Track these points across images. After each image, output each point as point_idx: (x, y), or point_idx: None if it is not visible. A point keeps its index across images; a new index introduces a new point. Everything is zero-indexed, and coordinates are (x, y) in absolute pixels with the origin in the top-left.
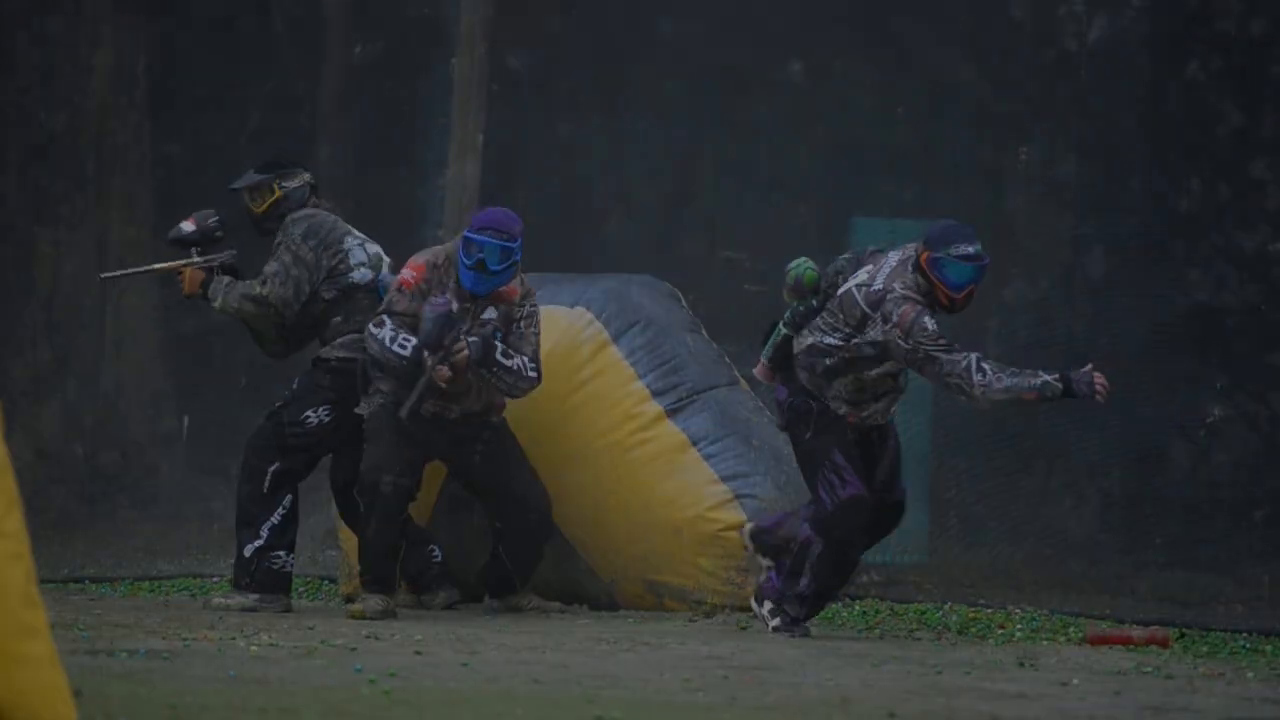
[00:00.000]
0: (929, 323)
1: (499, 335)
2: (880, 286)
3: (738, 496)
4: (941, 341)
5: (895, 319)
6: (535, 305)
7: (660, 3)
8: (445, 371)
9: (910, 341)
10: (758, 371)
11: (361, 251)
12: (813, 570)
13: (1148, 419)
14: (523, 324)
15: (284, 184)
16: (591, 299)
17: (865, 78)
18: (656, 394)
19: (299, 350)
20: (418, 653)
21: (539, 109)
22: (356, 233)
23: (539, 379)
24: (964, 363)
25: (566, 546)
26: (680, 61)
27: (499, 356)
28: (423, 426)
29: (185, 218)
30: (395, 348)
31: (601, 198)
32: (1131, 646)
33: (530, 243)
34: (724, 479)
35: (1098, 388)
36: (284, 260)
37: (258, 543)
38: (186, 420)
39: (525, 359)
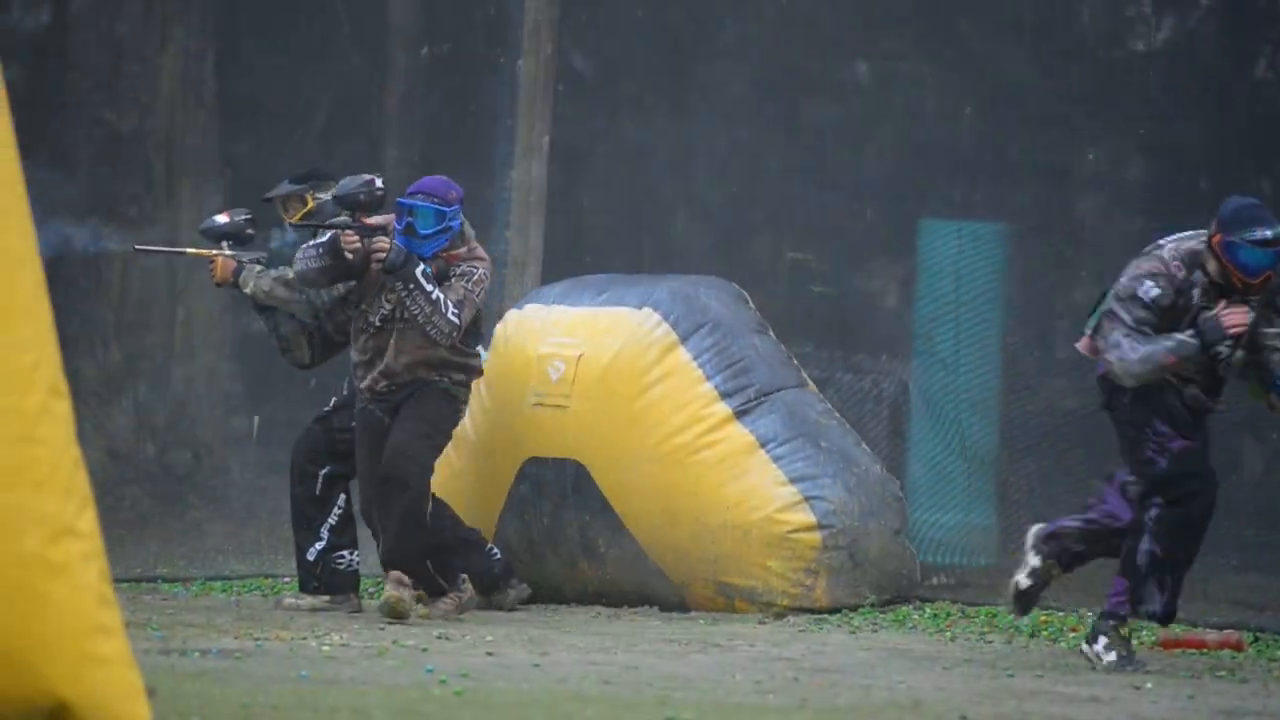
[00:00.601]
0: (1148, 290)
1: (427, 271)
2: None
3: (807, 498)
4: (1137, 312)
5: (1131, 269)
6: (476, 267)
7: (726, 4)
8: (353, 237)
9: (1119, 288)
10: (1081, 345)
11: None
12: (1151, 560)
13: (1219, 421)
14: (454, 278)
15: (318, 195)
16: (659, 300)
17: (931, 79)
18: (724, 395)
19: (325, 361)
20: (489, 653)
21: (605, 110)
22: None
23: (458, 325)
24: (1116, 337)
25: (636, 548)
26: (746, 63)
27: (419, 275)
28: (370, 425)
29: (219, 211)
30: (311, 248)
31: (668, 199)
32: (1205, 650)
33: (596, 244)
34: (793, 481)
35: (1228, 329)
36: (309, 251)
37: (319, 545)
38: (257, 420)
39: (448, 299)
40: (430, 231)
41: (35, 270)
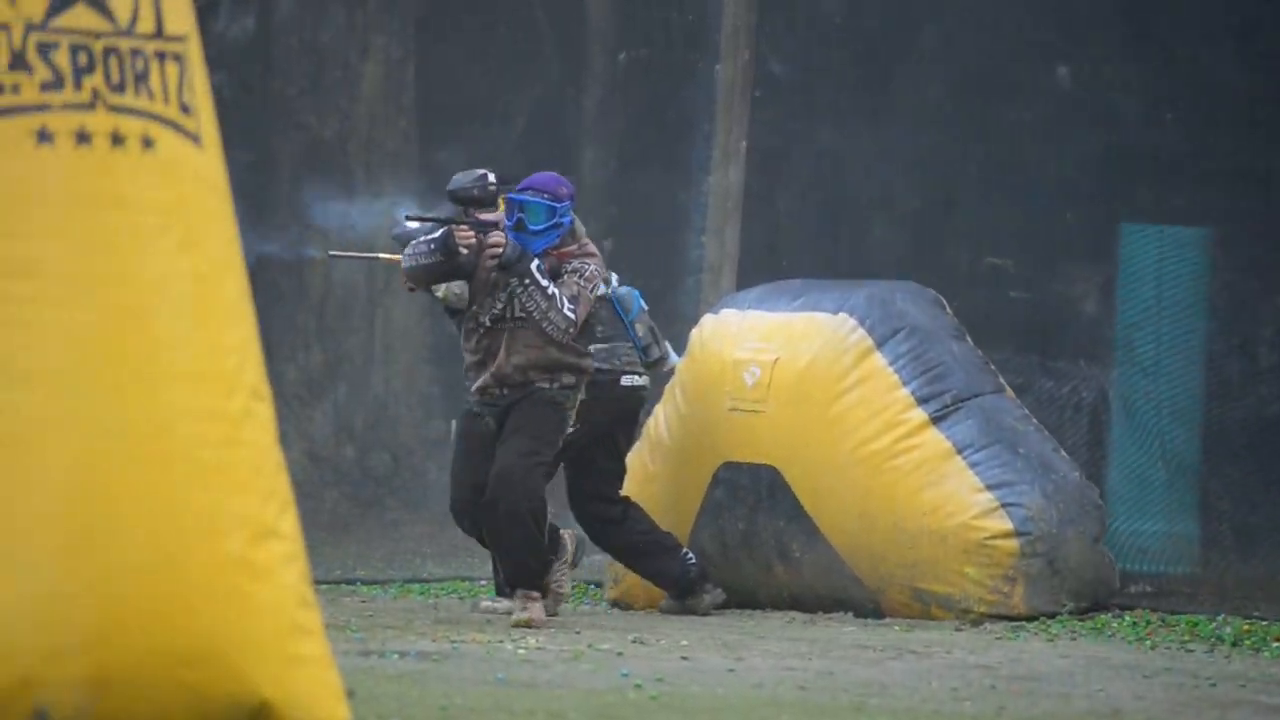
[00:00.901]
0: None
1: (541, 266)
2: None
3: (1004, 505)
4: None
5: None
6: (588, 263)
7: (924, 8)
8: (467, 232)
9: None
10: None
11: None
12: None
13: None
14: (567, 274)
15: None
16: (855, 306)
17: (1133, 81)
18: (921, 401)
19: None
20: (684, 658)
21: (802, 115)
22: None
23: (574, 321)
24: None
25: (831, 553)
26: (944, 67)
27: (534, 270)
28: (474, 430)
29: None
30: (423, 244)
31: (864, 204)
32: None
33: (793, 249)
34: (989, 487)
35: None
36: None
37: None
38: (455, 424)
39: (563, 295)
40: (541, 227)
41: (239, 275)
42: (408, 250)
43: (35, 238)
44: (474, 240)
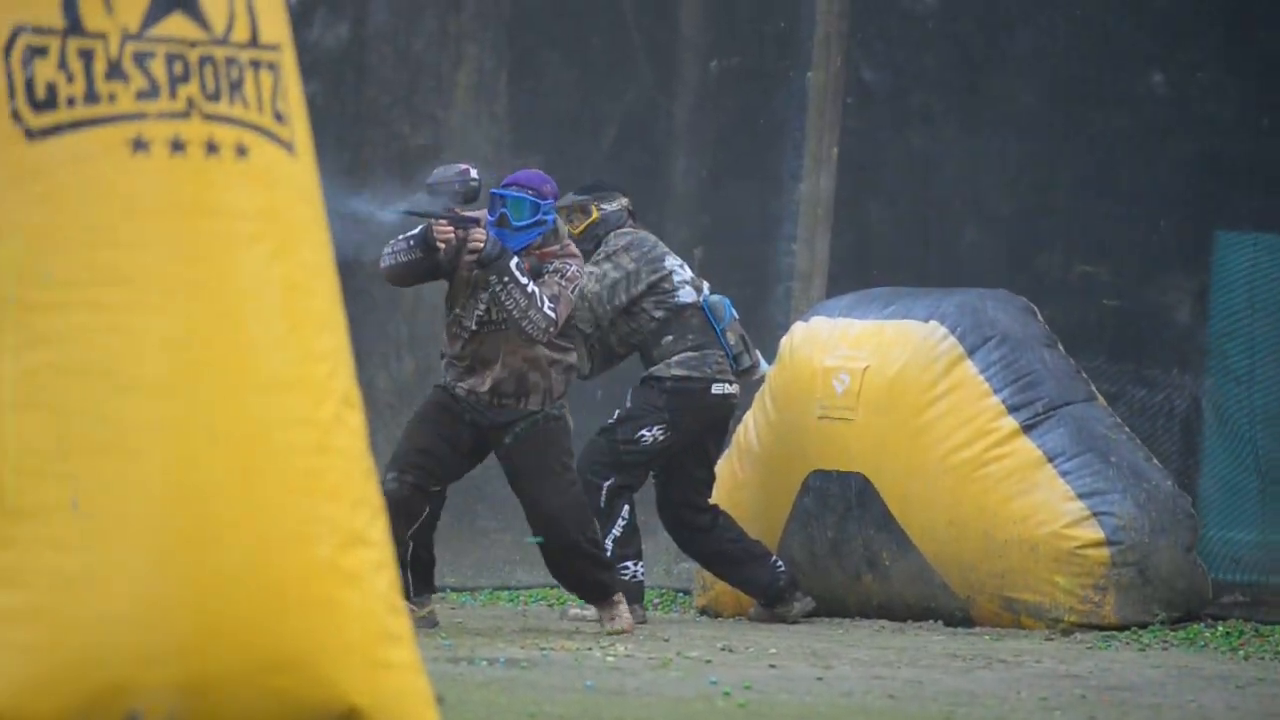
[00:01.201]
0: None
1: (521, 264)
2: None
3: (1095, 514)
4: None
5: None
6: (570, 263)
7: (1016, 15)
8: (447, 227)
9: None
10: None
11: (684, 271)
12: None
13: None
14: (548, 274)
15: (603, 206)
16: (946, 313)
17: (1228, 88)
18: (1012, 409)
19: (604, 372)
20: (772, 666)
21: (893, 122)
22: (675, 255)
23: (554, 320)
24: None
25: (920, 562)
26: (1036, 73)
27: (513, 267)
28: (450, 410)
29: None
30: (400, 241)
31: (956, 211)
32: None
33: (883, 257)
34: (1081, 496)
35: None
36: (603, 265)
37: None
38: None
39: (543, 294)
40: (525, 223)
41: (331, 282)
42: (387, 249)
43: (131, 246)
44: (452, 235)
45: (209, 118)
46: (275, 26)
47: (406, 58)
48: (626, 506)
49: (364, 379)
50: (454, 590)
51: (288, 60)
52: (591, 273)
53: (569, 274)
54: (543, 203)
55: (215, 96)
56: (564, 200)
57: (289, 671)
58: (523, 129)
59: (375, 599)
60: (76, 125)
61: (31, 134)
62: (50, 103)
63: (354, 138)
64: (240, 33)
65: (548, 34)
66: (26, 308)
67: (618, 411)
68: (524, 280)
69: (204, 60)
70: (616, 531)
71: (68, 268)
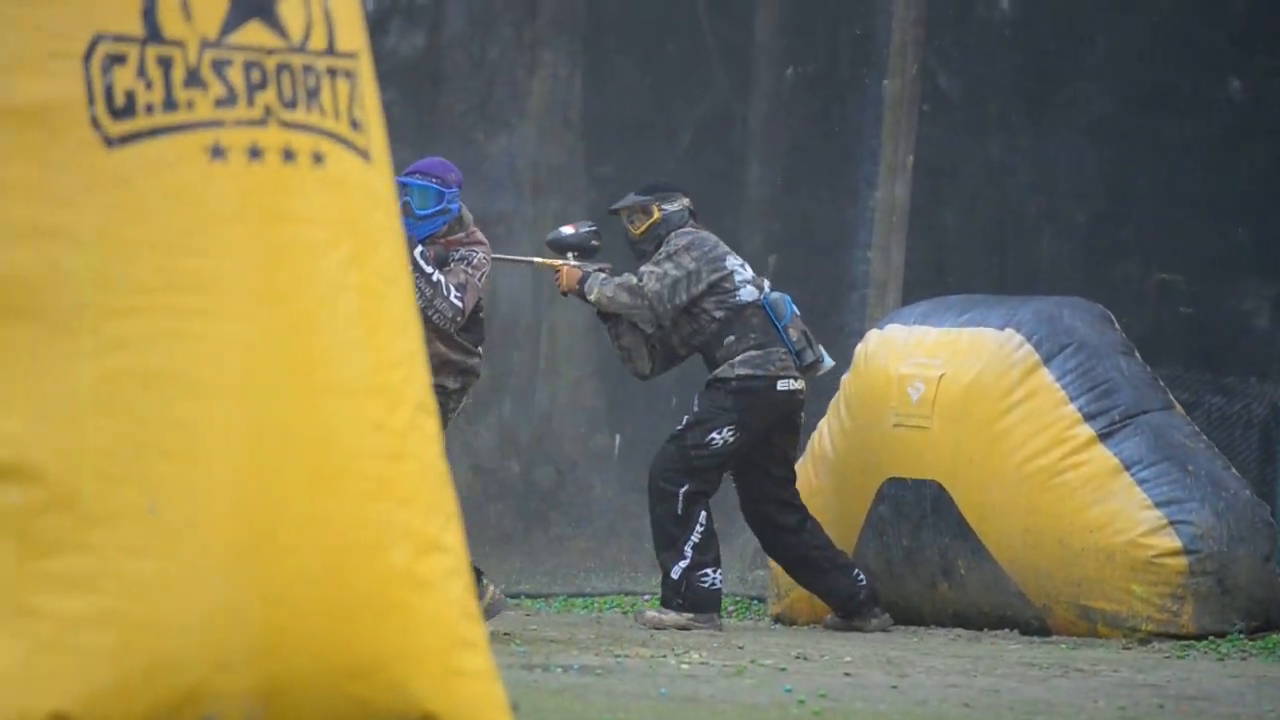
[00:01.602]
0: None
1: (425, 253)
2: None
3: (1172, 523)
4: None
5: None
6: (475, 251)
7: (1093, 21)
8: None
9: None
10: None
11: (744, 271)
12: None
13: None
14: (454, 262)
15: (664, 207)
16: (1022, 321)
17: None
18: (1088, 418)
19: (665, 371)
20: (847, 674)
21: (969, 129)
22: (737, 255)
23: (461, 309)
24: None
25: (996, 570)
26: (1112, 80)
27: (416, 256)
28: None
29: (565, 223)
30: None
31: (1031, 219)
32: None
33: (959, 264)
34: (1158, 505)
35: None
36: (664, 265)
37: (683, 563)
38: (618, 439)
39: (449, 282)
40: (428, 212)
41: (406, 289)
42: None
43: (208, 252)
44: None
45: (286, 125)
46: (352, 34)
47: (481, 65)
48: (704, 513)
49: (437, 384)
50: (529, 597)
51: (364, 68)
52: (652, 272)
53: (475, 261)
54: (446, 190)
55: (292, 104)
56: (625, 201)
57: (364, 677)
58: (597, 135)
59: (449, 605)
60: (155, 132)
61: (110, 141)
62: (129, 110)
63: (429, 145)
64: (317, 41)
65: (623, 40)
66: (104, 313)
67: (685, 417)
68: (428, 269)
69: (281, 68)
70: (695, 538)
71: (145, 273)
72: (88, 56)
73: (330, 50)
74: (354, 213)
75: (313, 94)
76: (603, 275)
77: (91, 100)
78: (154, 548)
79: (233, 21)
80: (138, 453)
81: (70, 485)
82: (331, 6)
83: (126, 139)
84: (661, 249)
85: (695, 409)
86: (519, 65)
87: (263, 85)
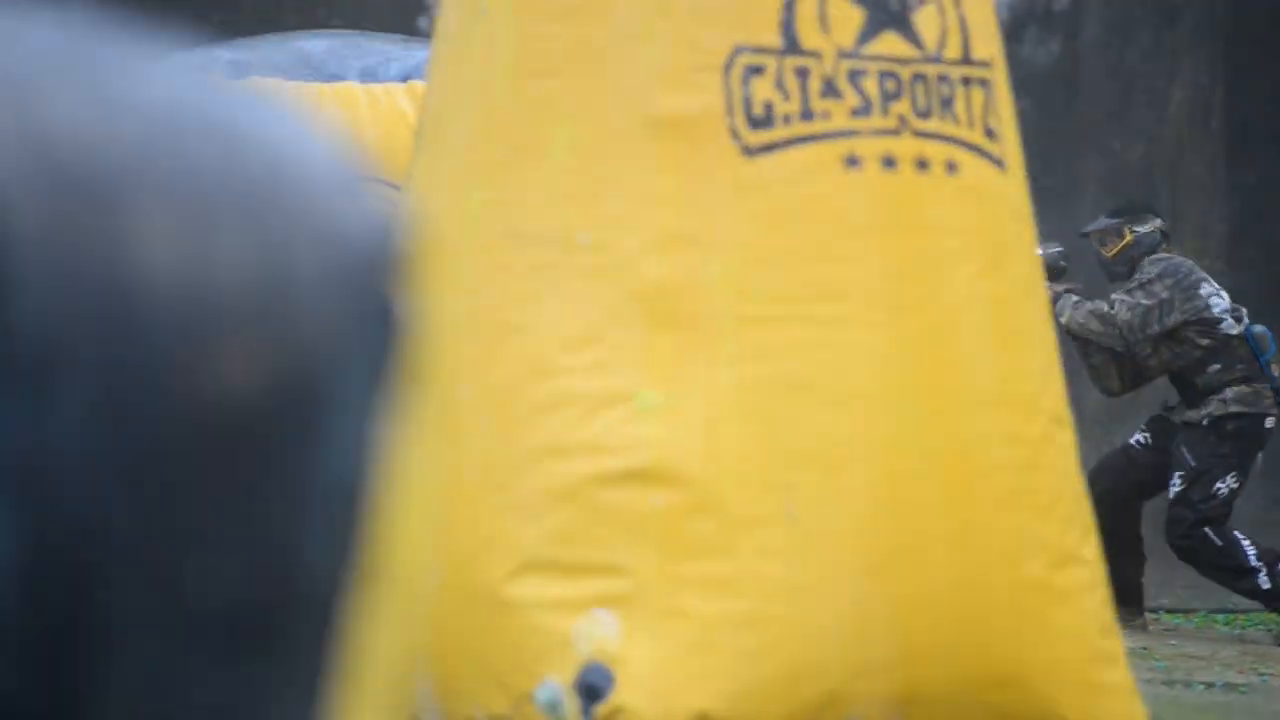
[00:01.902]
0: None
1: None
2: None
3: None
4: None
5: None
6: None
7: None
8: None
9: None
10: None
11: (1222, 300)
12: None
13: None
14: None
15: (1136, 229)
16: None
17: None
18: None
19: (1134, 390)
20: None
21: None
22: (1212, 281)
23: None
24: None
25: None
26: None
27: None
28: None
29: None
30: None
31: None
32: None
33: None
34: None
35: None
36: (1136, 294)
37: (1262, 573)
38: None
39: None
40: None
41: (1040, 299)
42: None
43: (843, 261)
44: None
45: (919, 134)
46: (987, 43)
47: (1119, 72)
48: (1233, 530)
49: (1073, 397)
50: (1168, 612)
51: (999, 77)
52: (1124, 301)
53: None
54: None
55: (925, 114)
56: (1096, 224)
57: (1003, 688)
58: (1240, 145)
59: (1087, 618)
60: (792, 142)
61: (749, 151)
62: (767, 120)
63: (1064, 154)
64: (952, 50)
65: (1267, 46)
66: (743, 321)
67: (1178, 474)
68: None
69: (915, 78)
70: (1251, 549)
71: (783, 283)
72: (728, 68)
73: (965, 59)
74: (988, 222)
75: (946, 103)
76: (1074, 297)
77: (730, 111)
78: (793, 553)
79: (869, 32)
80: (777, 459)
81: (713, 490)
82: (967, 15)
83: (764, 149)
84: (1135, 276)
85: (1188, 460)
86: (1158, 73)
87: (897, 95)
